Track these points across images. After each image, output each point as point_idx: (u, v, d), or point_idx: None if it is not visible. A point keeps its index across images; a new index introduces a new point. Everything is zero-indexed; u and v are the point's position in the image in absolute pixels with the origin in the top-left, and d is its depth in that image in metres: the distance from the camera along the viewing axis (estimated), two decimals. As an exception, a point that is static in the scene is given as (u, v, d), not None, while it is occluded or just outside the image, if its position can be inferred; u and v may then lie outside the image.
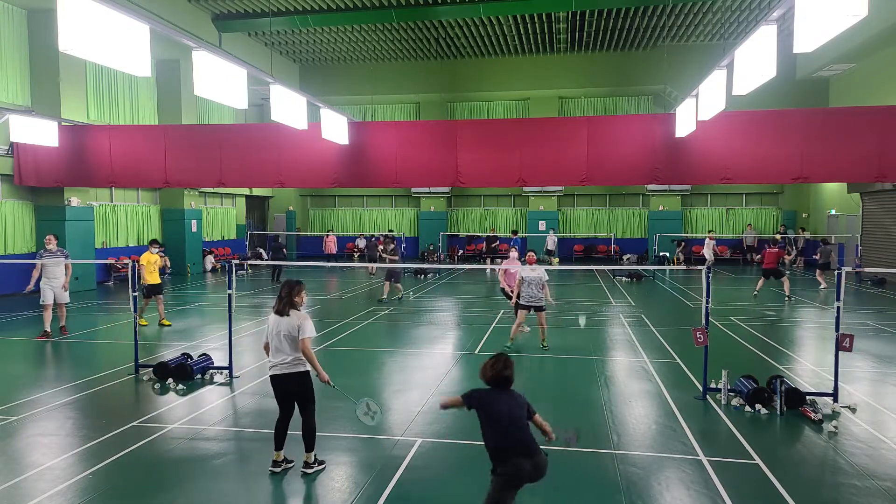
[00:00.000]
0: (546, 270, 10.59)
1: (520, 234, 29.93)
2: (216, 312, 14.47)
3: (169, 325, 12.62)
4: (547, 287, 10.35)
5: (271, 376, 5.56)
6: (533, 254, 10.82)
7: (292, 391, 5.54)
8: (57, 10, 6.96)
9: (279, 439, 5.63)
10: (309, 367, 5.55)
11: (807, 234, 26.37)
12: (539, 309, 10.28)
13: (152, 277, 12.60)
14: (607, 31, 24.23)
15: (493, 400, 4.20)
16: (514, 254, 13.20)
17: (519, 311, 10.42)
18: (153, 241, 13.02)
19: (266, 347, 5.66)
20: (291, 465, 5.65)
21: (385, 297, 15.79)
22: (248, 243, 27.40)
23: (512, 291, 10.95)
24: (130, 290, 9.12)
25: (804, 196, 27.66)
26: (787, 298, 16.16)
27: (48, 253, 11.55)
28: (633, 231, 29.93)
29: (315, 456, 5.61)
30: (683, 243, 24.65)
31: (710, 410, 7.38)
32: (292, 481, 5.46)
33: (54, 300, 11.53)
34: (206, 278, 22.26)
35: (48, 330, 11.38)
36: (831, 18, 6.26)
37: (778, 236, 17.18)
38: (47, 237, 11.75)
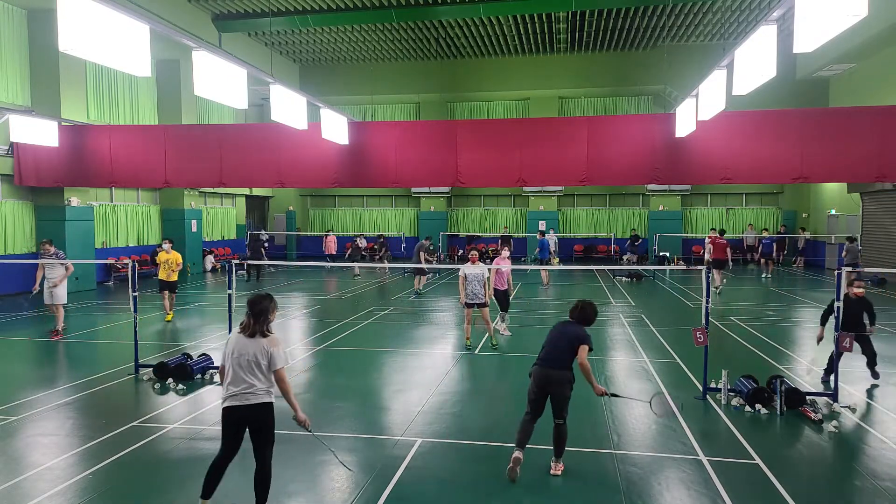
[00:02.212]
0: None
1: (518, 234, 29.99)
2: (216, 312, 14.47)
3: (169, 321, 13.12)
4: (487, 284, 10.79)
5: (225, 407, 4.60)
6: (476, 253, 11.22)
7: (251, 425, 4.64)
8: (57, 10, 6.96)
9: (211, 484, 4.71)
10: (272, 399, 4.67)
11: (807, 234, 26.35)
12: (482, 305, 10.67)
13: (161, 274, 13.22)
14: (607, 31, 24.22)
15: (555, 326, 5.80)
16: (505, 252, 13.08)
17: (466, 309, 10.82)
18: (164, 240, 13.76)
19: (222, 371, 4.72)
20: None
21: (419, 288, 17.65)
22: (247, 243, 27.38)
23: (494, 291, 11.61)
24: (130, 290, 9.12)
25: (804, 196, 27.64)
26: (716, 289, 16.34)
27: (45, 255, 11.62)
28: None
29: None
30: (634, 234, 24.86)
31: (710, 410, 7.38)
32: (291, 481, 5.46)
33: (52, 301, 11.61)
34: (206, 278, 22.27)
35: (59, 328, 11.52)
36: (831, 18, 6.26)
37: (717, 230, 17.28)
38: (43, 245, 11.81)
